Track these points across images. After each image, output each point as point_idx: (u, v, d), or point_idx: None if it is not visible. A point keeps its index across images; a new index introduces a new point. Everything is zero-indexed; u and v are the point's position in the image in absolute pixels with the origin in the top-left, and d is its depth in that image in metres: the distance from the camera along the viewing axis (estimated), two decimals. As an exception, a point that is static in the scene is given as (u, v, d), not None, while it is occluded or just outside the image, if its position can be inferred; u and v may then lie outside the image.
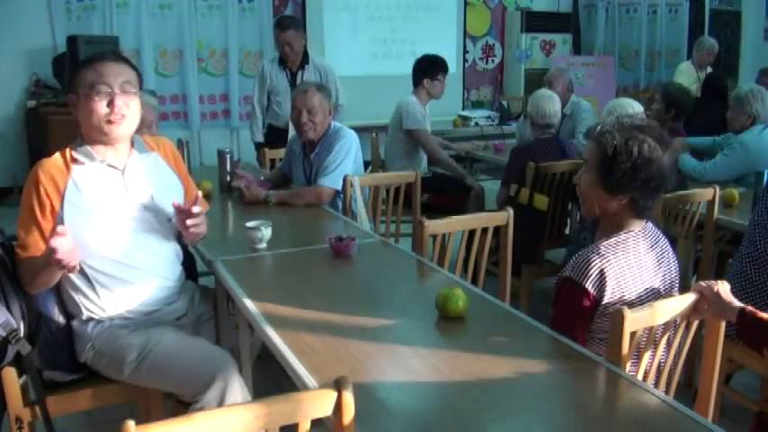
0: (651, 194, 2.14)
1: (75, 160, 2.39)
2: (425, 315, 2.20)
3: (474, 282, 2.93)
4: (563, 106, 5.39)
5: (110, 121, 2.34)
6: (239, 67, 7.25)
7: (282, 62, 5.32)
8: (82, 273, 2.35)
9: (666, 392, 2.16)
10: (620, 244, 2.15)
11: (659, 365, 2.11)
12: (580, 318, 2.12)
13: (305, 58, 5.34)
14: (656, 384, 2.11)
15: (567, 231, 4.49)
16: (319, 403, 1.42)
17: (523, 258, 4.07)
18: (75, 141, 2.44)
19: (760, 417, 1.44)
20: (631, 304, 2.07)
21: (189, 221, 2.40)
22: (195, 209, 2.39)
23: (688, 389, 2.95)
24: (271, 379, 3.16)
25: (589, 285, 2.08)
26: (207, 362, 2.28)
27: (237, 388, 2.24)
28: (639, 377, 2.00)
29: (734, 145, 4.18)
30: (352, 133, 3.82)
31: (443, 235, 2.89)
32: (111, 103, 2.33)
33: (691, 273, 3.80)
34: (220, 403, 2.19)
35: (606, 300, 2.08)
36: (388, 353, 1.97)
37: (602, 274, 2.07)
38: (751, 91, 4.27)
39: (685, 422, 1.67)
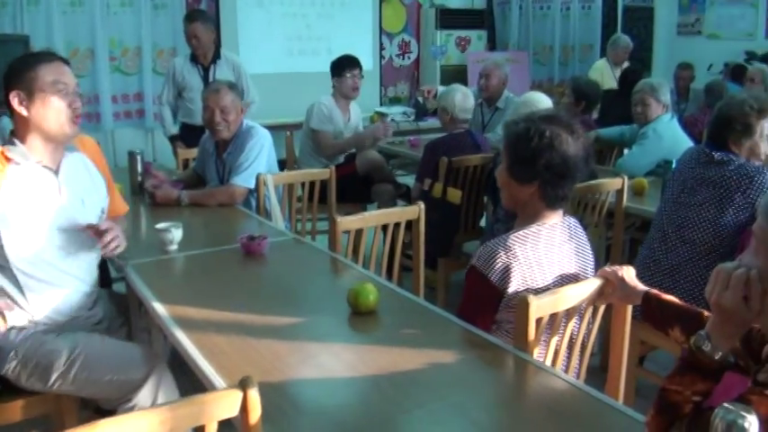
0: (557, 182, 2.15)
1: (9, 160, 2.31)
2: (338, 311, 2.20)
3: (391, 276, 2.95)
4: (497, 100, 5.47)
5: (72, 121, 2.34)
6: (153, 65, 7.10)
7: (194, 58, 5.24)
8: (12, 277, 2.29)
9: (577, 376, 2.21)
10: (531, 236, 2.17)
11: (568, 350, 2.15)
12: (484, 306, 2.15)
13: (216, 53, 5.27)
14: (567, 369, 2.16)
15: (482, 224, 4.54)
16: (224, 404, 1.40)
17: (439, 252, 4.10)
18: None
19: (661, 393, 1.48)
20: (539, 293, 2.10)
21: (104, 239, 2.35)
22: (105, 226, 2.35)
23: (604, 372, 3.02)
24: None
25: (493, 277, 2.10)
26: (137, 362, 2.28)
27: (169, 385, 2.26)
28: (548, 362, 2.04)
29: (648, 134, 4.30)
30: (265, 131, 3.78)
31: (359, 231, 2.89)
32: (70, 103, 2.33)
33: (603, 259, 3.90)
34: (153, 402, 2.19)
35: (510, 293, 2.10)
36: (299, 351, 1.96)
37: (506, 267, 2.09)
38: (658, 82, 4.42)
39: (595, 404, 1.71)
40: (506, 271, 2.09)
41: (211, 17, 6.15)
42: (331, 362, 1.89)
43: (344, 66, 5.08)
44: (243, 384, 1.40)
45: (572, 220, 2.30)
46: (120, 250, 2.44)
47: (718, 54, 9.16)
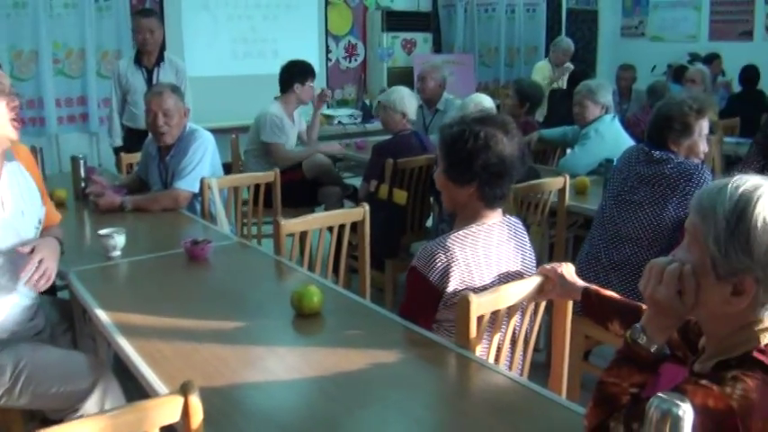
0: (494, 182, 2.18)
1: None
2: (282, 314, 2.20)
3: (337, 278, 2.95)
4: (436, 102, 5.51)
5: (15, 128, 2.24)
6: (97, 68, 6.98)
7: (138, 61, 5.18)
8: None
9: (521, 373, 2.24)
10: (471, 236, 2.19)
11: (511, 347, 2.18)
12: (425, 306, 2.17)
13: (160, 56, 5.22)
14: (510, 366, 2.19)
15: (428, 224, 4.57)
16: (166, 410, 1.39)
17: (386, 253, 4.12)
18: None
19: (599, 385, 1.51)
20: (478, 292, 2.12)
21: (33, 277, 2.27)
22: (38, 256, 2.28)
23: (550, 368, 3.07)
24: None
25: (433, 277, 2.13)
26: (83, 371, 2.25)
27: (116, 393, 2.23)
28: (491, 360, 2.06)
29: (589, 134, 4.39)
30: (208, 134, 3.75)
31: (305, 233, 2.89)
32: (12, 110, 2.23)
33: (546, 257, 3.95)
34: (101, 410, 2.13)
35: (449, 293, 2.13)
36: (243, 354, 1.95)
37: (445, 267, 2.12)
38: (598, 84, 4.51)
39: (537, 399, 1.74)
40: (445, 271, 2.11)
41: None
42: (275, 364, 1.89)
43: (309, 73, 5.07)
44: (184, 389, 1.40)
45: (512, 219, 2.34)
46: (47, 286, 2.34)
47: (662, 56, 9.38)
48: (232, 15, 7.50)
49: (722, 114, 6.77)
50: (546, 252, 3.99)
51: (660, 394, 1.16)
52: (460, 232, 2.20)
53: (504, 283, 2.18)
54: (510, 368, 2.18)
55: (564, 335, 2.21)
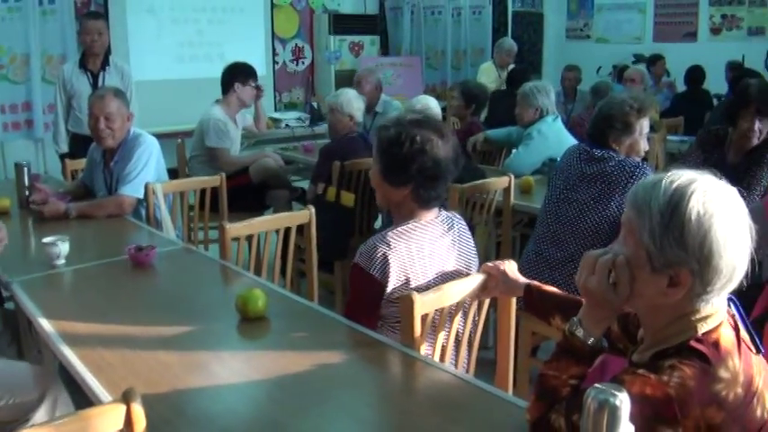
0: (429, 185, 2.22)
1: None
2: (227, 319, 2.19)
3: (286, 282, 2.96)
4: (374, 105, 5.53)
5: None
6: (42, 73, 6.85)
7: (83, 65, 5.10)
8: None
9: (467, 370, 2.27)
10: (407, 233, 2.22)
11: (456, 345, 2.20)
12: (369, 303, 2.19)
13: (105, 60, 5.15)
14: (456, 363, 2.22)
15: (376, 226, 4.59)
16: (108, 418, 1.38)
17: (335, 255, 4.12)
18: None
19: (540, 378, 1.55)
20: (420, 290, 2.14)
21: None
22: None
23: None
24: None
25: (374, 271, 2.15)
26: (30, 382, 2.23)
27: (65, 403, 2.22)
28: (436, 358, 2.08)
29: (532, 134, 4.47)
30: (152, 139, 3.71)
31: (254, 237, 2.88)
32: None
33: (493, 256, 4.00)
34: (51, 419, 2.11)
35: (391, 286, 2.15)
36: (187, 360, 1.94)
37: (385, 260, 2.15)
38: (535, 86, 4.59)
39: (482, 395, 1.77)
40: (386, 263, 2.14)
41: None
42: (219, 369, 1.89)
43: (249, 74, 5.03)
44: (126, 397, 1.39)
45: (449, 215, 2.37)
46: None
47: (607, 57, 9.57)
48: (178, 19, 7.43)
49: (667, 113, 6.95)
50: (493, 251, 4.04)
51: (597, 385, 1.18)
52: (398, 228, 2.23)
53: (442, 277, 2.22)
54: (456, 366, 2.20)
55: (509, 331, 2.24)
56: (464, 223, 2.41)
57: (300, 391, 1.77)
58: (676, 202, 1.34)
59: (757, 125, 3.53)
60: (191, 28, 7.49)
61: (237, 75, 5.00)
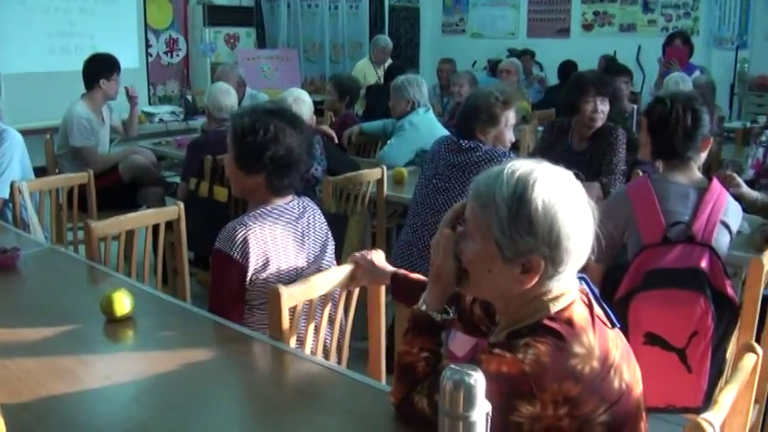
0: (282, 173, 2.31)
1: None
2: (93, 321, 2.12)
3: (164, 280, 2.91)
4: (241, 100, 5.48)
5: None
6: None
7: None
8: None
9: (338, 361, 2.30)
10: (263, 216, 2.30)
11: (328, 335, 2.24)
12: (234, 289, 2.23)
13: None
14: (327, 354, 2.24)
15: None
16: (-38, 429, 1.33)
17: (211, 251, 4.06)
18: None
19: (397, 358, 1.61)
20: (282, 274, 2.22)
21: None
22: None
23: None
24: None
25: (235, 253, 2.21)
26: None
27: None
28: (307, 350, 2.10)
29: (404, 126, 4.54)
30: (17, 135, 3.54)
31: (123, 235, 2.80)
32: None
33: (369, 247, 4.04)
34: None
35: (252, 266, 2.22)
36: (51, 366, 1.87)
37: (245, 241, 2.21)
38: (407, 79, 4.67)
39: (353, 385, 1.80)
40: (246, 244, 2.21)
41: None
42: (85, 374, 1.83)
43: (114, 67, 4.85)
44: (-16, 408, 1.35)
45: (303, 201, 2.43)
46: None
47: (482, 52, 9.81)
48: (48, 8, 7.09)
49: (541, 105, 7.21)
50: (369, 242, 4.09)
51: (453, 366, 1.21)
52: (255, 211, 2.31)
53: (298, 261, 2.30)
54: (328, 357, 2.23)
55: (379, 320, 2.26)
56: (316, 208, 2.48)
57: (167, 391, 1.76)
58: (521, 192, 1.38)
59: (600, 106, 3.76)
60: (62, 18, 7.17)
61: (102, 71, 4.79)
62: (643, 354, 2.38)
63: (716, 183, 2.62)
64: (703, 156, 2.71)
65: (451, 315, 1.64)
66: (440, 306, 1.60)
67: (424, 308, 1.60)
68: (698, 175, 2.67)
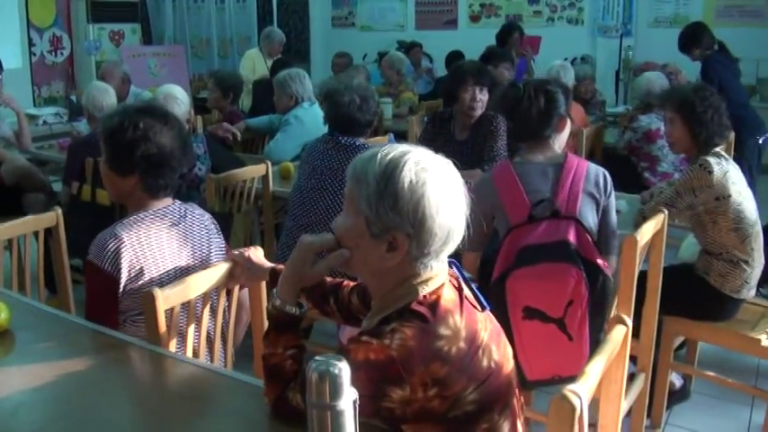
0: (156, 172, 2.23)
1: None
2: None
3: (53, 290, 2.80)
4: (124, 98, 5.37)
5: None
6: None
7: None
8: None
9: (224, 363, 2.30)
10: (138, 223, 2.20)
11: (209, 335, 2.23)
12: (107, 300, 2.15)
13: None
14: (212, 357, 2.24)
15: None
16: None
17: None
18: None
19: (262, 361, 1.63)
20: (158, 281, 2.16)
21: None
22: None
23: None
24: None
25: (106, 266, 2.12)
26: None
27: None
28: (189, 352, 2.09)
29: (290, 120, 4.57)
30: None
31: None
32: None
33: (258, 243, 4.04)
34: None
35: (124, 278, 2.13)
36: None
37: (116, 253, 2.12)
38: (289, 74, 4.69)
39: (237, 386, 1.81)
40: (117, 256, 2.12)
41: None
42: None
43: None
44: None
45: (183, 205, 2.36)
46: None
47: (373, 44, 9.91)
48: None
49: (431, 96, 7.35)
50: (258, 239, 4.09)
51: (317, 357, 1.23)
52: (129, 219, 2.22)
53: (178, 268, 2.23)
54: (212, 359, 2.23)
55: (261, 317, 2.26)
56: (200, 212, 2.40)
57: (48, 404, 1.72)
58: (390, 171, 1.45)
59: (478, 95, 3.87)
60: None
61: None
62: (525, 329, 2.49)
63: (571, 156, 2.73)
64: (563, 136, 2.81)
65: (305, 308, 1.67)
66: (291, 299, 1.63)
67: (278, 303, 1.62)
68: (556, 152, 2.76)
